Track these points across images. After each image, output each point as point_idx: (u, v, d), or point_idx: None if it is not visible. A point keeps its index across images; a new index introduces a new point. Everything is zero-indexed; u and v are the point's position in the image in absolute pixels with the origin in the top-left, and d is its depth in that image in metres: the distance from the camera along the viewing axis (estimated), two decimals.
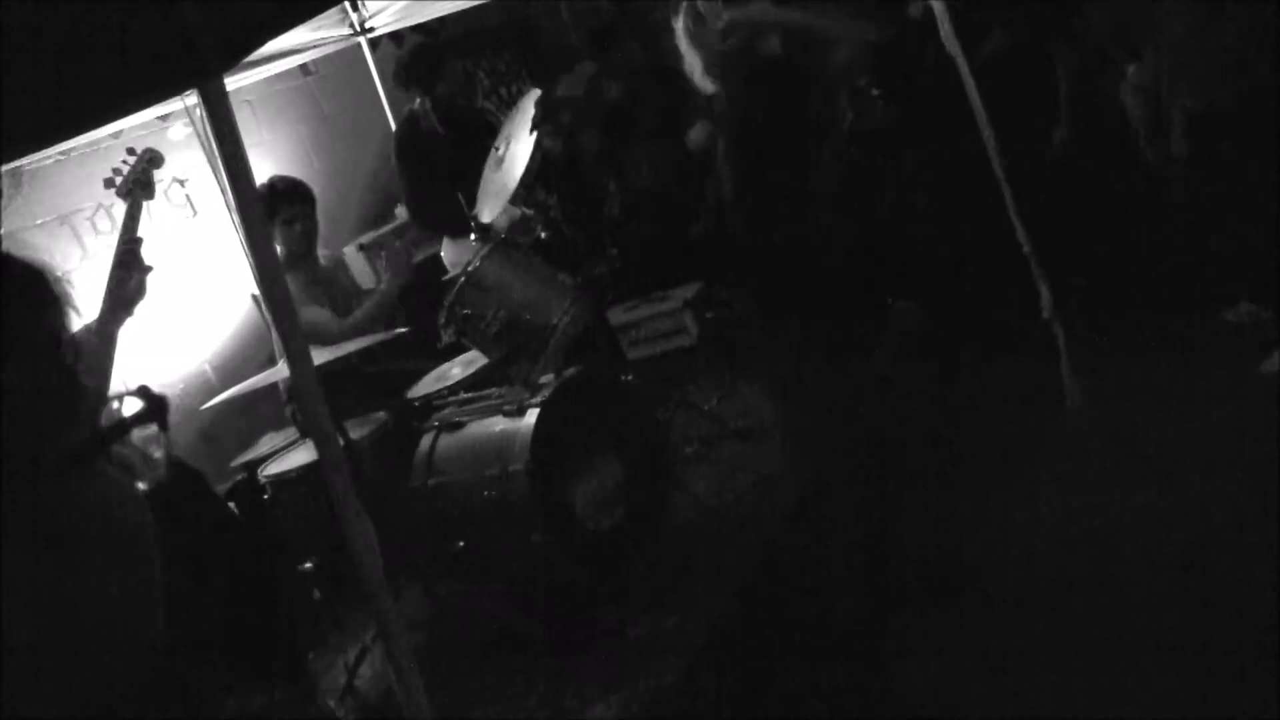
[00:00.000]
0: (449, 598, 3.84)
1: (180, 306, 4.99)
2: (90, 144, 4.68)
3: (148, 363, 4.75)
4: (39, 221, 4.71)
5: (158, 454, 2.11)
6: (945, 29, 3.87)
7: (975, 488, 3.72)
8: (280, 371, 3.52)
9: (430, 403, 4.11)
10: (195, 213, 5.20)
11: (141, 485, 2.06)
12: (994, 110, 3.89)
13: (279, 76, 5.74)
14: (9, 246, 1.45)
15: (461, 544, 3.64)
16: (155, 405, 1.50)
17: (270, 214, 4.42)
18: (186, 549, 3.06)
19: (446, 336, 3.89)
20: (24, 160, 4.19)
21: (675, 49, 4.40)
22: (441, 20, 6.19)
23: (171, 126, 5.10)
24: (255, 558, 3.81)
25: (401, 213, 6.17)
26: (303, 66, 5.95)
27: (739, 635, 3.35)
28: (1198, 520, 3.12)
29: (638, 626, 3.47)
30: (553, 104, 6.33)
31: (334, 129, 6.35)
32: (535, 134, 4.25)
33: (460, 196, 4.41)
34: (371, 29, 5.67)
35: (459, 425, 3.82)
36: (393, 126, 5.75)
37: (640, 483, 3.78)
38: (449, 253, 5.30)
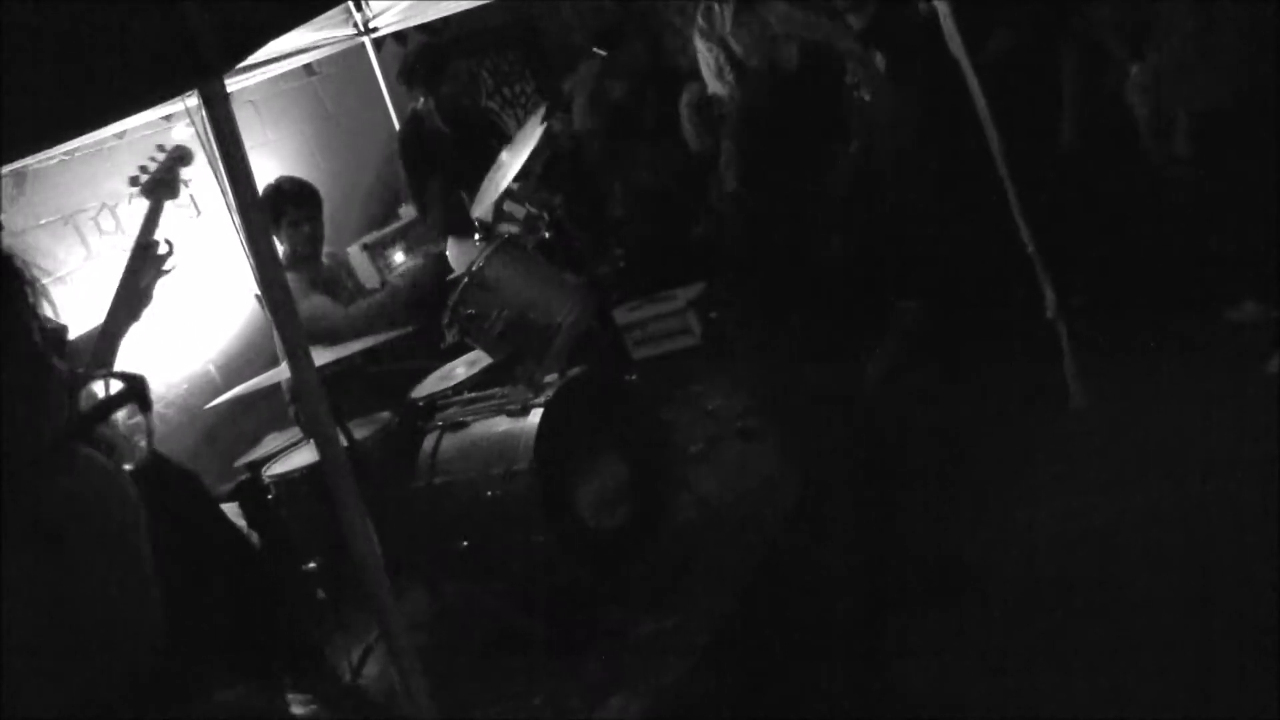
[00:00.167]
0: (452, 597, 3.85)
1: (184, 306, 4.99)
2: (95, 144, 4.69)
3: (152, 362, 4.76)
4: (42, 222, 4.71)
5: (141, 442, 2.10)
6: (949, 29, 3.87)
7: (976, 488, 3.72)
8: (284, 372, 3.52)
9: (434, 402, 4.11)
10: (199, 213, 5.20)
11: (127, 466, 2.04)
12: (998, 110, 3.90)
13: (283, 77, 5.75)
14: (11, 247, 1.44)
15: (464, 544, 3.64)
16: (133, 385, 1.48)
17: (277, 215, 4.44)
18: (182, 550, 3.06)
19: (450, 336, 3.89)
20: (27, 160, 4.19)
21: (674, 49, 4.42)
22: (445, 20, 6.18)
23: (175, 127, 5.11)
24: (252, 558, 3.81)
25: (406, 212, 6.18)
26: (307, 67, 5.95)
27: (740, 635, 3.35)
28: (1199, 520, 3.12)
29: (639, 626, 3.47)
30: (565, 95, 6.33)
31: (338, 129, 6.36)
32: (546, 123, 4.24)
33: (464, 196, 4.42)
34: (375, 29, 5.67)
35: (462, 425, 3.83)
36: (397, 126, 5.75)
37: (643, 483, 3.78)
38: (453, 253, 5.31)
